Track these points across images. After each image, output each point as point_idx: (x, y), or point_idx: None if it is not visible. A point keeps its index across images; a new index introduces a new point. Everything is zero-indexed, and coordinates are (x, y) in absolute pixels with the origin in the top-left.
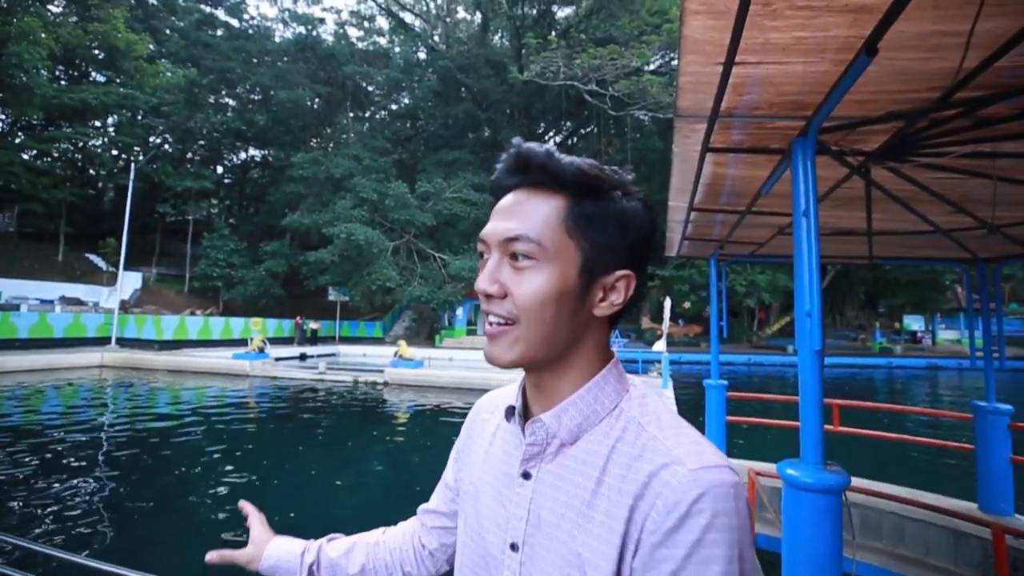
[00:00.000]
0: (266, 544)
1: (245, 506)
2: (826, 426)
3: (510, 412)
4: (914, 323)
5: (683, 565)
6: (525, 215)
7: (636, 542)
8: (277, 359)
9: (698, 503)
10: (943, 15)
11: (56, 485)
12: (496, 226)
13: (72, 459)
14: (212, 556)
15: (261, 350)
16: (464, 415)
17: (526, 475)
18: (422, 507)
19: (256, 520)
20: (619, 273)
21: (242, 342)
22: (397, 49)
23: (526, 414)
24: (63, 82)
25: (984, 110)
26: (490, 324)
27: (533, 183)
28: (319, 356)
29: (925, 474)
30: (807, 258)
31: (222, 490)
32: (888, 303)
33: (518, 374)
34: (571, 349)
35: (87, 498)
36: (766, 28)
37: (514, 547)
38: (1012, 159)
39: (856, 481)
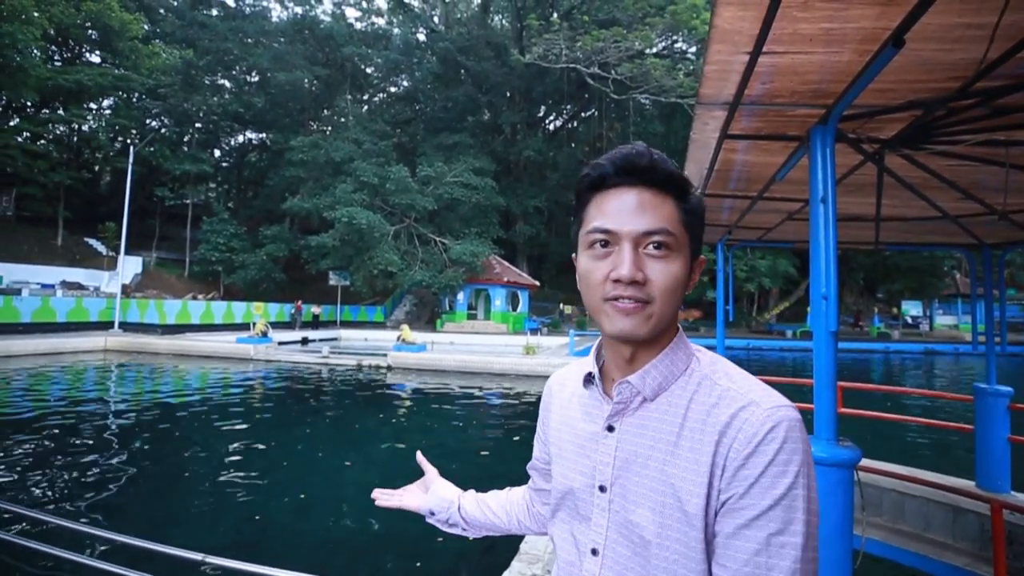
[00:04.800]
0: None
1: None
2: None
3: (588, 380)
4: (912, 309)
5: (758, 480)
6: (656, 213)
7: (722, 468)
8: (280, 343)
9: (772, 432)
10: (968, 8)
11: (71, 464)
12: (630, 221)
13: (85, 440)
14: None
15: (264, 334)
16: (466, 397)
17: (610, 428)
18: (529, 467)
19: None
20: (700, 259)
21: (244, 326)
22: (396, 30)
23: (604, 381)
24: (57, 63)
25: (1002, 100)
26: (624, 303)
27: (644, 183)
28: (321, 340)
29: (923, 453)
30: (824, 243)
31: (230, 472)
32: (887, 289)
33: (518, 357)
34: (672, 322)
35: (101, 477)
36: (796, 19)
37: (602, 488)
38: None
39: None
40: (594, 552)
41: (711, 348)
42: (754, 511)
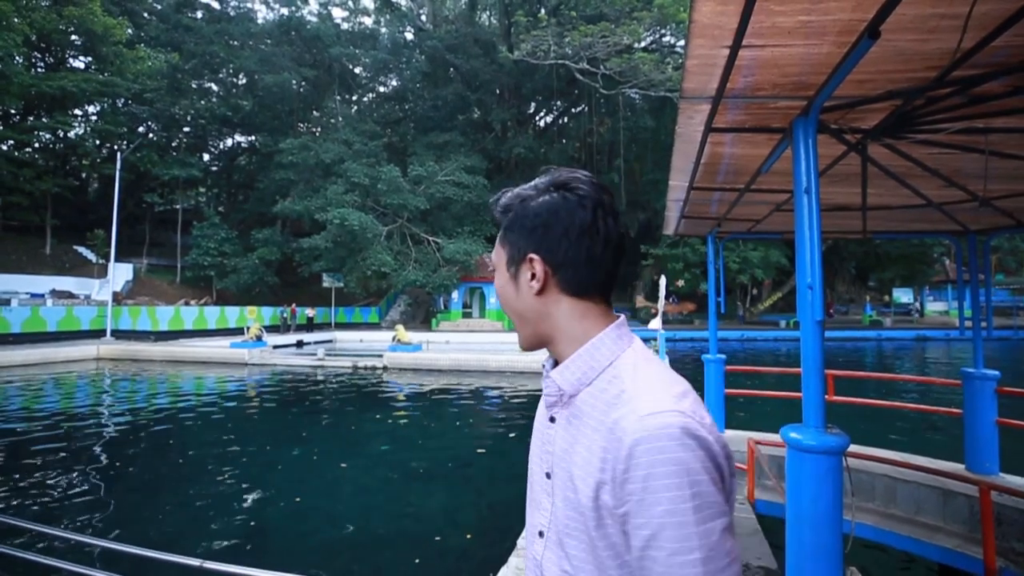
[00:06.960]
0: None
1: None
2: None
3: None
4: (903, 296)
5: (642, 496)
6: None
7: (611, 477)
8: (275, 347)
9: (640, 445)
10: None
11: (66, 474)
12: None
13: (79, 450)
14: None
15: (258, 338)
16: (462, 396)
17: (552, 419)
18: None
19: None
20: (528, 257)
21: (238, 331)
22: (383, 30)
23: None
24: (40, 69)
25: (978, 88)
26: None
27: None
28: (316, 343)
29: (914, 439)
30: (808, 233)
31: (227, 477)
32: (878, 277)
33: (513, 355)
34: (547, 324)
35: (97, 486)
36: (773, 12)
37: (548, 475)
38: (1003, 134)
39: (850, 447)
40: (540, 534)
41: (704, 340)
42: (648, 530)
